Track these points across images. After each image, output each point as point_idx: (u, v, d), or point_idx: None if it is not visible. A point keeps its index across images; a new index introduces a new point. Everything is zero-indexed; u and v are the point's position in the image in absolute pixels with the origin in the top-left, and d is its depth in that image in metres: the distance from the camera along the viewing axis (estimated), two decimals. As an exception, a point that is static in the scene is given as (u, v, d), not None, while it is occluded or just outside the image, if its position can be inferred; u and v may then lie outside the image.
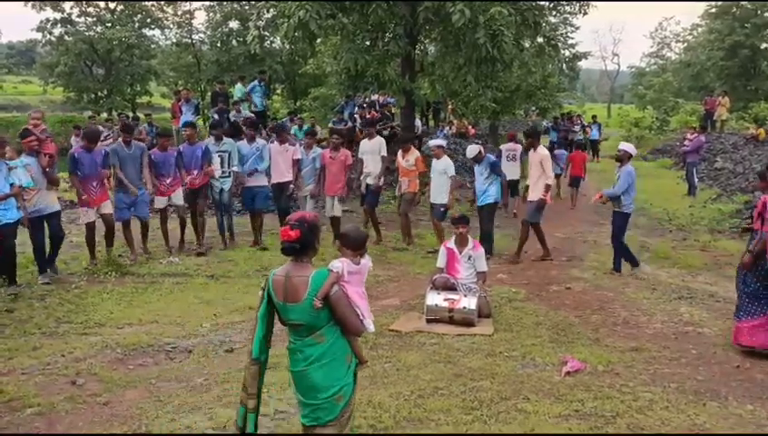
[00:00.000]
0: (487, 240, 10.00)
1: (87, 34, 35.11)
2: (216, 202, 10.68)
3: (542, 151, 10.22)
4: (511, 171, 12.93)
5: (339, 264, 3.71)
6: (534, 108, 28.12)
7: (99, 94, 36.13)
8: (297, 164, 10.70)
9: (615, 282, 9.13)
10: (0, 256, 7.79)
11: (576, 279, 9.20)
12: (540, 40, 16.95)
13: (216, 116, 16.12)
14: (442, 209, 10.44)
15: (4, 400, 5.23)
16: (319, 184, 10.82)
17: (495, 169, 10.31)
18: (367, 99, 20.09)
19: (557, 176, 16.88)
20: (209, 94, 26.07)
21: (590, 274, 9.46)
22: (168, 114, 23.88)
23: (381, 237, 11.25)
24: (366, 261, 3.91)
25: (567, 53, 22.48)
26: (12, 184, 7.59)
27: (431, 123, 26.55)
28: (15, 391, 5.37)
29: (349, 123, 18.04)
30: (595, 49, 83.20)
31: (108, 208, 9.34)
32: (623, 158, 9.29)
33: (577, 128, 25.49)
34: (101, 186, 9.23)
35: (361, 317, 3.68)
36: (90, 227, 9.18)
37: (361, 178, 11.24)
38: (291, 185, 10.77)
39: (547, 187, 10.02)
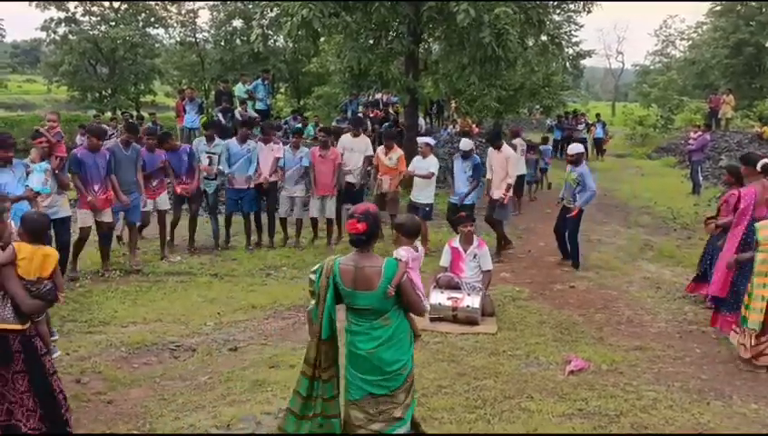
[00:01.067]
0: None
1: (91, 33, 35.12)
2: (209, 204, 10.50)
3: (507, 150, 10.31)
4: (518, 166, 12.97)
5: (404, 253, 4.03)
6: (537, 107, 28.09)
7: (103, 92, 36.16)
8: (276, 163, 10.47)
9: (619, 280, 9.13)
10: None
11: (579, 278, 9.19)
12: (544, 38, 16.88)
13: (220, 115, 16.16)
14: (427, 209, 10.35)
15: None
16: (309, 185, 10.58)
17: (477, 170, 10.15)
18: (370, 97, 20.10)
19: (543, 172, 17.31)
20: (213, 92, 26.09)
21: (594, 273, 9.45)
22: (172, 113, 23.90)
23: (342, 236, 10.95)
24: (421, 248, 4.32)
25: (571, 51, 22.40)
26: (26, 187, 7.20)
27: (435, 121, 26.53)
28: (20, 389, 5.38)
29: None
30: (599, 47, 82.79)
31: (108, 216, 8.82)
32: (578, 160, 9.60)
33: (581, 127, 25.47)
34: (104, 191, 8.68)
35: (421, 297, 4.02)
36: (84, 232, 8.62)
37: (339, 175, 10.78)
38: (279, 183, 10.62)
39: (508, 187, 10.11)
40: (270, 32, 30.77)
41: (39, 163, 7.57)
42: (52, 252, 4.48)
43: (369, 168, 11.24)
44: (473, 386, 5.50)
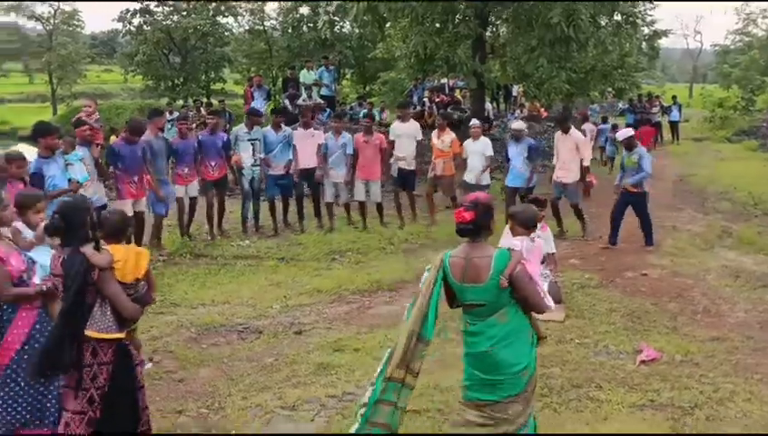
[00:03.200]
0: None
1: (164, 23, 36.10)
2: (245, 191, 10.32)
3: (576, 134, 10.15)
4: None
5: (519, 243, 3.84)
6: (610, 89, 27.24)
7: (175, 81, 37.10)
8: (320, 150, 10.39)
9: (695, 268, 8.76)
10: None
11: (652, 265, 8.86)
12: (618, 18, 16.37)
13: (287, 102, 16.35)
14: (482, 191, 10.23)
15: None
16: (350, 171, 10.49)
17: (533, 151, 10.06)
18: (436, 82, 19.94)
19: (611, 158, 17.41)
20: (280, 79, 26.40)
21: (668, 261, 9.09)
22: (241, 101, 24.34)
23: (404, 223, 10.94)
24: (540, 240, 4.12)
25: (646, 30, 21.55)
26: (70, 180, 7.32)
27: (502, 106, 26.10)
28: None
29: (418, 108, 17.93)
30: (676, 27, 79.71)
31: (142, 206, 8.93)
32: (630, 144, 9.41)
33: (656, 110, 24.56)
34: (140, 181, 8.80)
35: (542, 294, 3.77)
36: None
37: (391, 161, 10.83)
38: (319, 172, 10.55)
39: (586, 169, 9.96)
40: (336, 18, 31.03)
41: (74, 153, 7.67)
42: (143, 250, 4.21)
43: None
44: (539, 374, 5.36)
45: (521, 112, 23.30)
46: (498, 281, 3.52)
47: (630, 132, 9.86)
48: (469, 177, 10.47)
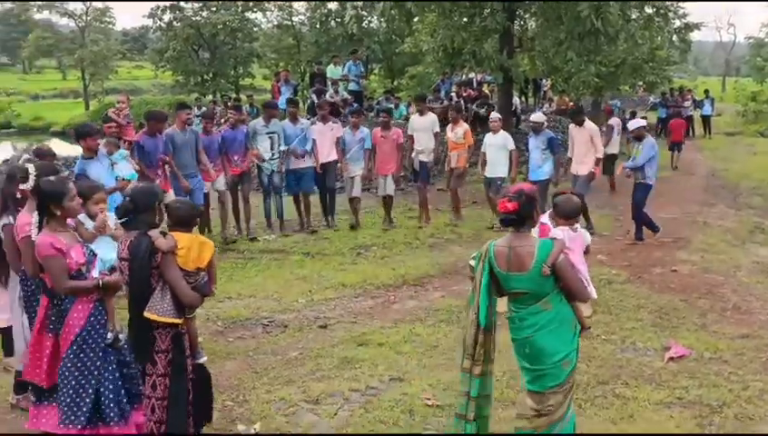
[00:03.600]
0: None
1: (194, 19, 36.50)
2: (265, 185, 10.28)
3: (590, 126, 10.11)
4: (612, 145, 13.23)
5: (561, 233, 3.97)
6: (640, 83, 26.85)
7: (205, 76, 37.53)
8: (338, 144, 10.34)
9: (726, 265, 8.61)
10: None
11: (682, 261, 8.73)
12: (649, 10, 16.11)
13: (314, 96, 16.39)
14: (500, 183, 10.19)
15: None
16: (369, 166, 10.45)
17: (552, 145, 10.00)
18: (464, 77, 19.83)
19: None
20: (308, 74, 26.51)
21: (698, 257, 8.95)
22: (269, 96, 24.48)
23: (429, 217, 10.93)
24: (583, 230, 4.28)
25: (678, 23, 21.21)
26: (117, 178, 7.31)
27: (530, 100, 25.90)
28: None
29: (445, 102, 17.85)
30: (708, 19, 78.26)
31: (169, 198, 8.78)
32: (640, 135, 9.40)
33: (688, 103, 24.16)
34: (164, 174, 8.72)
35: (585, 283, 3.83)
36: None
37: (412, 155, 10.88)
38: (339, 164, 10.50)
39: (597, 160, 9.99)
40: (364, 13, 31.05)
41: (119, 152, 7.69)
42: (209, 241, 4.25)
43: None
44: (566, 370, 5.34)
45: (549, 106, 23.11)
46: (542, 268, 3.60)
47: (641, 122, 9.92)
48: (489, 171, 10.45)
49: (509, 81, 16.69)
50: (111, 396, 3.93)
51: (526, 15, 17.31)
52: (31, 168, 4.31)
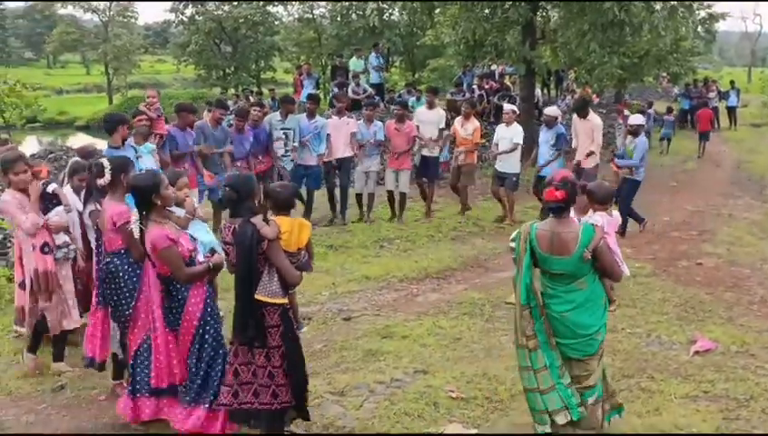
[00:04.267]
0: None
1: (216, 13, 36.64)
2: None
3: (594, 118, 9.96)
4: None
5: (600, 219, 4.32)
6: (664, 74, 26.53)
7: (226, 70, 37.64)
8: (353, 138, 10.12)
9: (752, 258, 8.53)
10: None
11: (707, 254, 8.66)
12: (673, 1, 15.90)
13: (336, 90, 16.44)
14: (514, 178, 10.13)
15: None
16: (383, 159, 10.28)
17: (559, 141, 9.87)
18: (485, 69, 19.73)
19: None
20: (329, 68, 26.53)
21: (724, 249, 8.87)
22: (290, 89, 24.56)
23: (431, 213, 10.85)
24: (616, 212, 4.74)
25: (703, 13, 20.92)
26: (140, 171, 7.43)
27: (552, 92, 25.71)
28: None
29: (467, 95, 17.79)
30: (734, 9, 76.98)
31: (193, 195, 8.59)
32: (637, 131, 9.36)
33: (712, 95, 23.82)
34: (193, 167, 8.64)
35: (619, 262, 4.12)
36: None
37: (415, 149, 10.51)
38: (356, 159, 10.24)
39: (590, 153, 9.81)
40: (385, 5, 30.96)
41: (145, 145, 7.68)
42: (306, 222, 4.59)
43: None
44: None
45: (572, 98, 22.92)
46: (584, 253, 3.84)
47: (641, 118, 9.91)
48: (499, 165, 10.32)
49: (531, 73, 16.58)
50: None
51: (549, 6, 17.15)
52: (105, 163, 4.48)
